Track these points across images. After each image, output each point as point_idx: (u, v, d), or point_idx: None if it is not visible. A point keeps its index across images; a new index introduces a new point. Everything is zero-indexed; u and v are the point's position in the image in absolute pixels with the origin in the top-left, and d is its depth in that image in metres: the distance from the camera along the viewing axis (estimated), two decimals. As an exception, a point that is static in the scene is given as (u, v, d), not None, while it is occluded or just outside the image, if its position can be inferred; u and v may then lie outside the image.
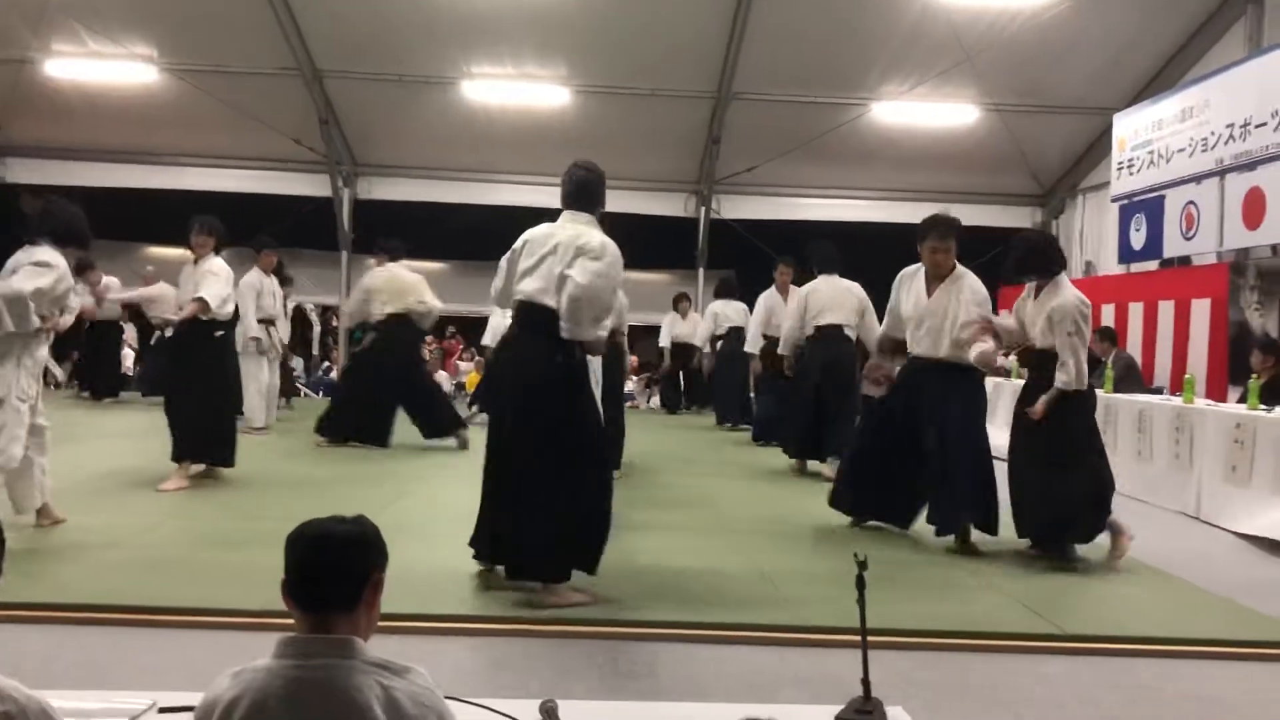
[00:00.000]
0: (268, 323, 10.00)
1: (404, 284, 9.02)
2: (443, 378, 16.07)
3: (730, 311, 11.99)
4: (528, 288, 4.55)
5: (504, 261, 4.80)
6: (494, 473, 4.61)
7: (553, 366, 4.46)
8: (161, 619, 4.00)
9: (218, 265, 7.07)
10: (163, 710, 2.57)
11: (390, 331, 8.88)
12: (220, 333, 7.14)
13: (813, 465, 8.38)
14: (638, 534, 5.75)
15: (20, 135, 14.66)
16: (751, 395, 11.44)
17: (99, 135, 14.49)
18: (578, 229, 4.60)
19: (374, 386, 8.81)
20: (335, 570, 2.10)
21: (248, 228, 10.74)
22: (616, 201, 14.06)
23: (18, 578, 4.12)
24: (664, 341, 13.62)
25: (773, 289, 10.06)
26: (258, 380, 9.72)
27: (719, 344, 12.08)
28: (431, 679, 2.07)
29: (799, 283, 9.02)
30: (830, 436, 8.02)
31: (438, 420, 9.02)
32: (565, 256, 4.48)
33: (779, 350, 8.79)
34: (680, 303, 13.74)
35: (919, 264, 6.00)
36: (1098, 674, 3.86)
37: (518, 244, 4.73)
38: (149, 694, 2.68)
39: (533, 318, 4.55)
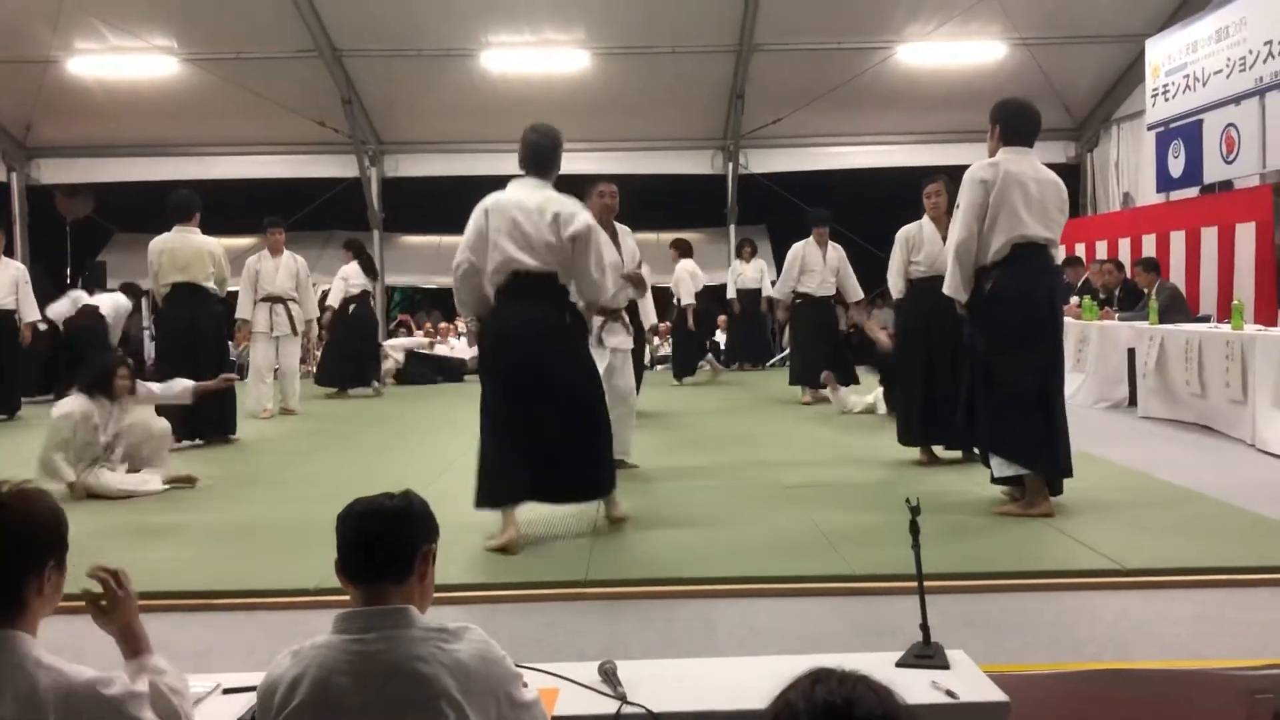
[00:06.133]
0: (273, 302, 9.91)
1: None
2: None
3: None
4: (520, 256, 4.65)
5: (470, 233, 4.82)
6: (522, 421, 4.68)
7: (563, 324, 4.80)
8: (218, 602, 4.04)
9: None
10: (226, 691, 2.61)
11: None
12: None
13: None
14: (683, 485, 5.79)
15: (49, 136, 14.78)
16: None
17: (127, 130, 14.56)
18: (545, 194, 4.79)
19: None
20: (385, 543, 2.12)
21: (279, 212, 10.79)
22: (643, 162, 14.03)
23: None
24: (730, 292, 14.02)
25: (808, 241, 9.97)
26: (254, 361, 9.83)
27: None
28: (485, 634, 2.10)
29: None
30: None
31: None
32: (543, 222, 4.67)
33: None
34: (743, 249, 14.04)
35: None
36: (1157, 607, 3.80)
37: (480, 213, 4.80)
38: (212, 676, 2.72)
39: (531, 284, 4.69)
